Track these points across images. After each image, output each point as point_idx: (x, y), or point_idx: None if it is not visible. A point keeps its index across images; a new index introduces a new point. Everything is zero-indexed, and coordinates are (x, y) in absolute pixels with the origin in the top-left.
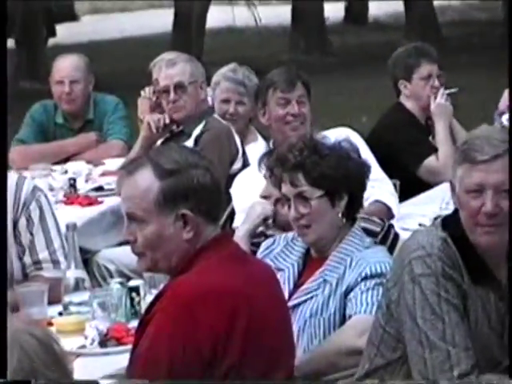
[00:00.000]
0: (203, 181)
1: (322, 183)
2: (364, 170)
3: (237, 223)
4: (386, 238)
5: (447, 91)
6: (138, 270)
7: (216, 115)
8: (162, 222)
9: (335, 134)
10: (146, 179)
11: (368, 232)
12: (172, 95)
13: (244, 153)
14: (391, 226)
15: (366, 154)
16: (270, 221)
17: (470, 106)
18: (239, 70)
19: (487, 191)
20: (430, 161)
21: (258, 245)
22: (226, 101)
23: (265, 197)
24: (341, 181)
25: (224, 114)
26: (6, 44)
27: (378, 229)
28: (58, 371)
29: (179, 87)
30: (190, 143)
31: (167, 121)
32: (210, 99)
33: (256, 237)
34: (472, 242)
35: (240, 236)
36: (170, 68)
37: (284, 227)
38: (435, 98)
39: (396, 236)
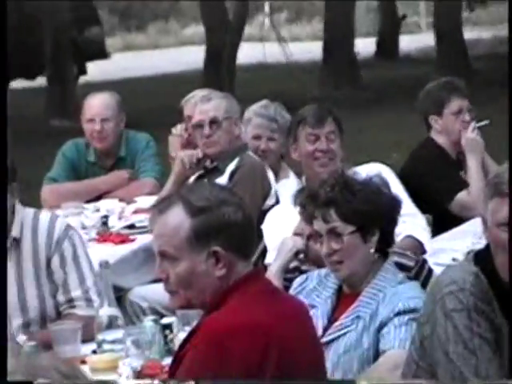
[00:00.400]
0: (234, 217)
1: (353, 219)
2: (395, 204)
3: (269, 260)
4: (420, 272)
5: (478, 124)
6: (170, 307)
7: (250, 152)
8: (193, 259)
9: (366, 170)
10: (177, 217)
11: (402, 267)
12: (207, 130)
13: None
14: (425, 261)
15: (398, 188)
16: (302, 255)
17: (502, 140)
18: (271, 106)
19: None
20: (462, 196)
21: (291, 280)
22: (258, 137)
23: (298, 234)
24: (372, 216)
25: (255, 150)
26: (5, 44)
27: (412, 263)
28: None
29: (214, 122)
30: (223, 179)
31: (200, 155)
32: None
33: (290, 272)
34: (503, 276)
35: (273, 272)
36: (206, 103)
37: (317, 262)
38: (466, 132)
39: (430, 271)
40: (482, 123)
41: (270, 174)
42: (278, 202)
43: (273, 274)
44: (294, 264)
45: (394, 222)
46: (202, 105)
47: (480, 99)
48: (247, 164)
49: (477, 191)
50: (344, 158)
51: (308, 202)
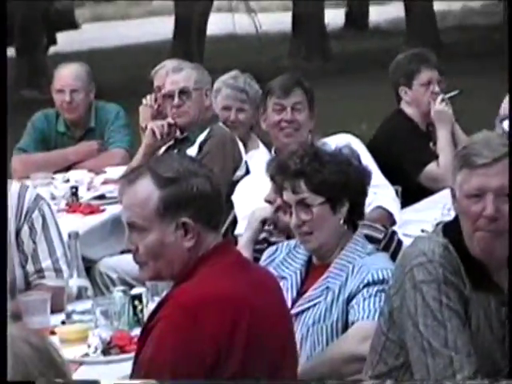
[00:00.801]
0: (203, 189)
1: (323, 190)
2: (365, 176)
3: (239, 230)
4: (389, 244)
5: (448, 95)
6: (140, 278)
7: (220, 123)
8: (162, 230)
9: (336, 141)
10: (146, 188)
11: (371, 239)
12: (176, 100)
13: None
14: (394, 233)
15: (368, 160)
16: (271, 226)
17: (471, 112)
18: (240, 77)
19: (487, 195)
20: (431, 167)
21: (261, 251)
22: (227, 108)
23: (269, 201)
24: (342, 187)
25: (225, 121)
26: (5, 44)
27: (381, 236)
28: (55, 378)
29: (184, 93)
30: (193, 150)
31: (171, 122)
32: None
33: (259, 243)
34: (471, 248)
35: (242, 244)
36: (176, 73)
37: (286, 232)
38: (435, 103)
39: (399, 243)
40: (452, 93)
41: (240, 145)
42: (248, 172)
43: (242, 246)
44: (263, 235)
45: (363, 194)
46: (173, 75)
47: (449, 71)
48: (217, 135)
49: (446, 163)
50: (313, 129)
51: (277, 172)
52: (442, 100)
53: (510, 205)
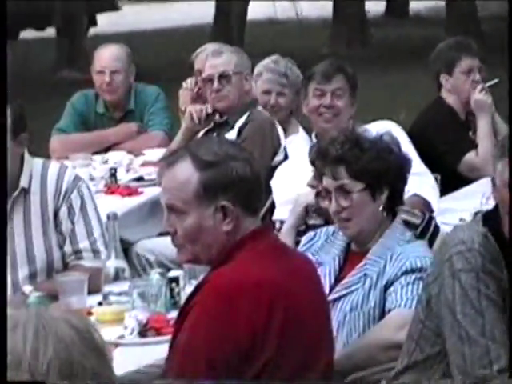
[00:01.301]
0: (242, 173)
1: (363, 176)
2: (405, 163)
3: (277, 216)
4: (427, 230)
5: (488, 84)
6: (177, 261)
7: (260, 107)
8: (201, 213)
9: (377, 128)
10: (186, 171)
11: (408, 224)
12: (216, 84)
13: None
14: (432, 218)
15: (408, 147)
16: (313, 211)
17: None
18: (281, 61)
19: None
20: (470, 156)
21: (300, 234)
22: (267, 92)
23: (312, 186)
24: (382, 174)
25: (265, 105)
26: (5, 44)
27: (419, 221)
28: (96, 360)
29: (223, 77)
30: (232, 134)
31: (209, 111)
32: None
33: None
34: (508, 237)
35: (285, 230)
36: (216, 57)
37: (326, 217)
38: (475, 92)
39: (436, 228)
40: (492, 82)
41: (280, 130)
42: (286, 157)
43: (285, 231)
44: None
45: (403, 181)
46: (213, 59)
47: (489, 60)
48: (256, 119)
49: (485, 152)
50: (353, 116)
51: (318, 158)
52: (482, 89)
53: (509, 198)
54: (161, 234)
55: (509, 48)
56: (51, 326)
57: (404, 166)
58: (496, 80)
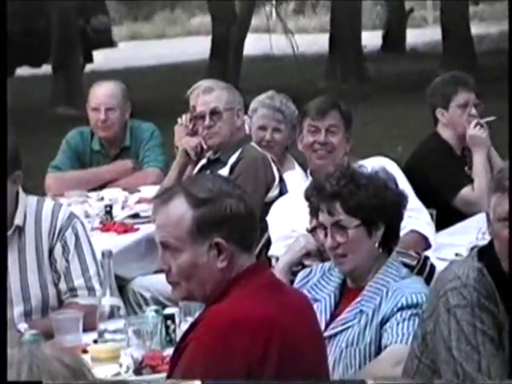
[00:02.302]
0: (237, 209)
1: (359, 212)
2: (401, 199)
3: (272, 252)
4: (422, 270)
5: (484, 120)
6: (172, 298)
7: (253, 143)
8: (195, 250)
9: (372, 164)
10: (179, 208)
11: (404, 266)
12: (207, 121)
13: (281, 180)
14: (427, 258)
15: (403, 183)
16: (313, 256)
17: (505, 137)
18: (276, 97)
19: None
20: (466, 191)
21: (295, 274)
22: (263, 128)
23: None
24: (378, 211)
25: (260, 140)
26: (5, 46)
27: (414, 262)
28: None
29: (215, 113)
30: (225, 171)
31: (204, 146)
32: (247, 127)
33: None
34: (505, 272)
35: (280, 267)
36: (207, 94)
37: (323, 258)
38: (470, 127)
39: (432, 268)
40: (489, 119)
41: (273, 165)
42: (282, 192)
43: (279, 269)
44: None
45: (399, 217)
46: (204, 96)
47: (486, 94)
48: (249, 155)
49: (481, 187)
50: (348, 152)
51: (313, 194)
52: (477, 124)
53: (509, 209)
54: (157, 271)
55: (509, 54)
56: (44, 365)
57: (400, 202)
58: (493, 118)
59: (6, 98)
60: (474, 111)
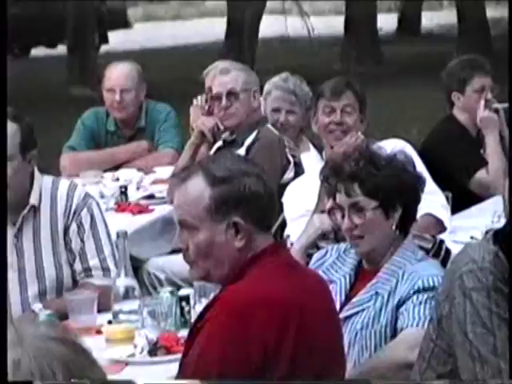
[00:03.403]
0: (255, 189)
1: (377, 194)
2: (419, 182)
3: (288, 233)
4: (438, 254)
5: (496, 105)
6: (189, 278)
7: (269, 125)
8: (213, 229)
9: (390, 146)
10: (198, 186)
11: (420, 249)
12: (224, 102)
13: (296, 162)
14: (442, 242)
15: (420, 166)
16: (331, 236)
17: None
18: (290, 79)
19: None
20: (481, 174)
21: (310, 256)
22: (277, 110)
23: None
24: (396, 193)
25: (275, 123)
26: (5, 44)
27: (430, 245)
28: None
29: (231, 94)
30: (241, 152)
31: (221, 127)
32: (262, 109)
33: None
34: None
35: (296, 249)
36: (224, 75)
37: (337, 239)
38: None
39: (447, 251)
40: (504, 105)
41: (289, 148)
42: (297, 175)
43: (296, 251)
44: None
45: (416, 200)
46: (221, 77)
47: (502, 78)
48: (265, 137)
49: (495, 170)
50: (364, 133)
51: (331, 175)
52: (486, 106)
53: (509, 199)
54: (171, 252)
55: (509, 47)
56: (40, 351)
57: (418, 184)
58: (505, 105)
59: (6, 97)
60: (490, 95)
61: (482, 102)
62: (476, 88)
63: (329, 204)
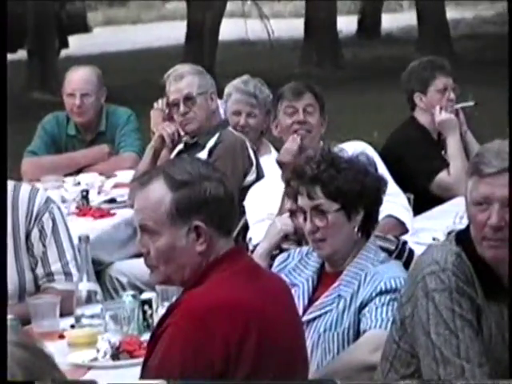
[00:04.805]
0: (216, 193)
1: (339, 197)
2: (381, 184)
3: (250, 235)
4: (401, 255)
5: (461, 105)
6: (151, 282)
7: (231, 128)
8: (174, 233)
9: (352, 148)
10: (159, 191)
11: (382, 250)
12: (182, 108)
13: (258, 165)
14: (405, 243)
15: (382, 168)
16: (293, 237)
17: (482, 121)
18: (251, 81)
19: (493, 204)
20: (442, 176)
21: (273, 258)
22: (237, 113)
23: (291, 210)
24: (358, 195)
25: (235, 125)
26: (5, 44)
27: (393, 247)
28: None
29: (188, 99)
30: (203, 155)
31: (181, 133)
32: (222, 111)
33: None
34: (481, 256)
35: (260, 252)
36: (179, 81)
37: (299, 240)
38: (439, 113)
39: (411, 252)
40: (466, 104)
41: (251, 150)
42: (258, 178)
43: (259, 256)
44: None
45: (378, 202)
46: (176, 83)
47: (462, 79)
48: (227, 140)
49: (456, 171)
50: (324, 136)
51: (293, 177)
52: (441, 109)
53: (510, 207)
54: (134, 256)
55: (509, 49)
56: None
57: (380, 187)
58: (471, 103)
59: (6, 96)
60: (452, 95)
61: (438, 108)
62: (439, 88)
63: (291, 206)
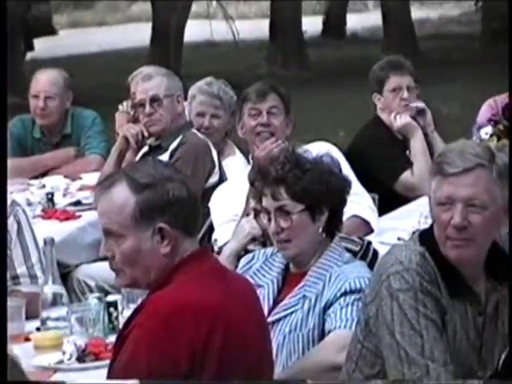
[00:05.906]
0: (179, 194)
1: (303, 198)
2: (345, 185)
3: (215, 236)
4: (365, 256)
5: (413, 104)
6: (117, 285)
7: (194, 130)
8: (139, 236)
9: (316, 149)
10: (122, 194)
11: (347, 251)
12: (148, 108)
13: (220, 167)
14: (370, 244)
15: (346, 168)
16: (260, 240)
17: (447, 120)
18: (215, 83)
19: (456, 204)
20: (406, 176)
21: (238, 259)
22: (201, 114)
23: (256, 209)
24: (322, 196)
25: (199, 127)
26: (6, 44)
27: (357, 248)
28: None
29: (155, 100)
30: (165, 157)
31: (146, 134)
32: (187, 113)
33: None
34: (445, 256)
35: (227, 254)
36: (146, 82)
37: (265, 240)
38: (395, 120)
39: (375, 253)
40: (417, 105)
41: (214, 152)
42: (222, 179)
43: (225, 257)
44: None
45: (342, 203)
46: (143, 83)
47: (427, 78)
48: (189, 142)
49: (420, 171)
50: (290, 136)
51: (257, 178)
52: (396, 115)
53: (509, 202)
54: (100, 259)
55: (509, 45)
56: None
57: (344, 187)
58: (422, 105)
59: (6, 97)
60: (406, 95)
61: (393, 114)
62: (391, 87)
63: (255, 207)
